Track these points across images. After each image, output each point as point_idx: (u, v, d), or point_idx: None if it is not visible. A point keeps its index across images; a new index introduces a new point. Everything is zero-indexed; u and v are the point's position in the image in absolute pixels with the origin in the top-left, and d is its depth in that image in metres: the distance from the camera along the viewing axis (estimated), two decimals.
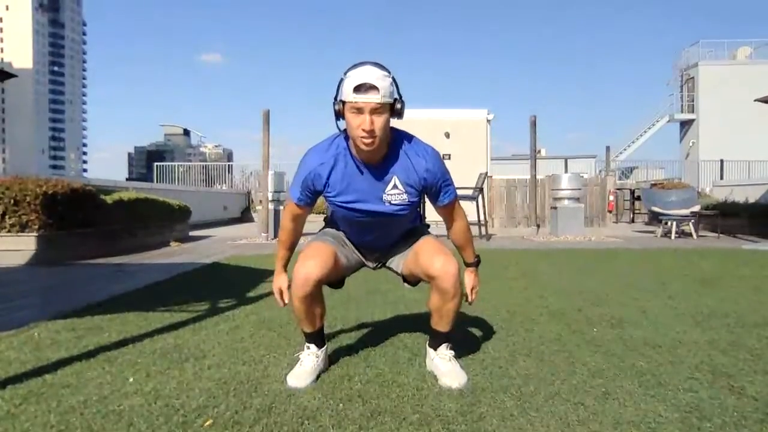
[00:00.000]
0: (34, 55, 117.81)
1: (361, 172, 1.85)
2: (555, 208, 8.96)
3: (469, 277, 2.10)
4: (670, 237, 8.47)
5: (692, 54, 27.80)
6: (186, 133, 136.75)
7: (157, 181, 17.63)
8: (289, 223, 2.06)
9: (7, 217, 5.40)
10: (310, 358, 1.97)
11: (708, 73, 26.76)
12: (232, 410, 1.65)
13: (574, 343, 2.36)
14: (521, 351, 2.25)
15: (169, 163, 19.58)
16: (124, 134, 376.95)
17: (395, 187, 1.86)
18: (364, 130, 1.70)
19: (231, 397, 1.75)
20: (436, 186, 1.90)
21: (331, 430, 1.53)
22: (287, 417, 1.58)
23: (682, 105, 28.00)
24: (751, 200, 9.64)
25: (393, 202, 1.88)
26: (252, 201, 15.17)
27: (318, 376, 1.94)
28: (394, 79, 1.76)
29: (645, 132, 27.93)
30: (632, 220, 13.56)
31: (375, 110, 1.70)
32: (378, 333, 2.51)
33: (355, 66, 1.75)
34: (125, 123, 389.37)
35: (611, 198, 12.57)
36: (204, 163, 24.66)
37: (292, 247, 2.13)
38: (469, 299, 2.08)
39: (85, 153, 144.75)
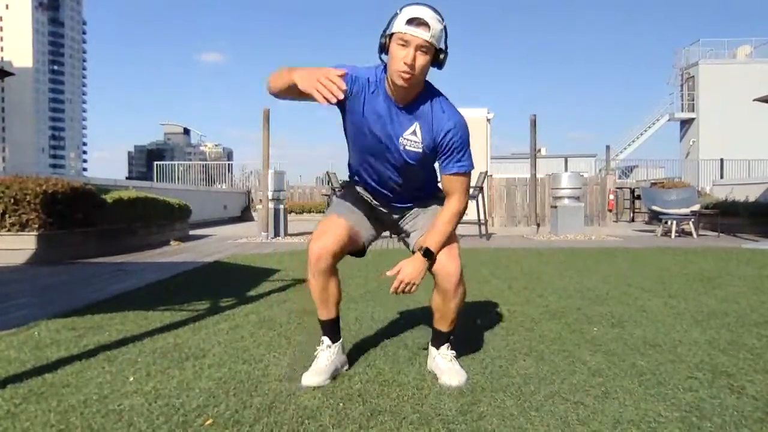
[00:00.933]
0: (34, 54, 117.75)
1: (389, 108, 1.83)
2: (555, 207, 8.96)
3: (409, 264, 1.87)
4: (670, 236, 8.47)
5: (692, 53, 27.82)
6: (186, 132, 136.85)
7: (157, 180, 17.62)
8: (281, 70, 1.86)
9: (7, 216, 5.40)
10: (325, 353, 1.94)
11: (708, 72, 26.77)
12: (232, 409, 1.65)
13: (574, 343, 2.36)
14: (521, 350, 2.25)
15: (169, 162, 19.57)
16: (124, 133, 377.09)
17: (414, 134, 1.84)
18: (405, 63, 1.69)
19: (231, 397, 1.75)
20: (449, 148, 1.84)
21: (331, 429, 1.53)
22: (287, 416, 1.58)
23: (682, 104, 28.01)
24: (752, 199, 9.64)
25: (407, 147, 1.85)
26: (252, 200, 15.16)
27: (335, 376, 1.91)
28: (445, 28, 1.76)
29: (645, 131, 27.94)
30: (632, 219, 13.56)
31: (420, 47, 1.70)
32: (378, 332, 2.51)
33: (411, 3, 1.74)
34: (125, 122, 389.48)
35: (611, 197, 12.56)
36: (204, 162, 24.65)
37: None
38: (393, 288, 1.87)
39: (85, 152, 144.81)
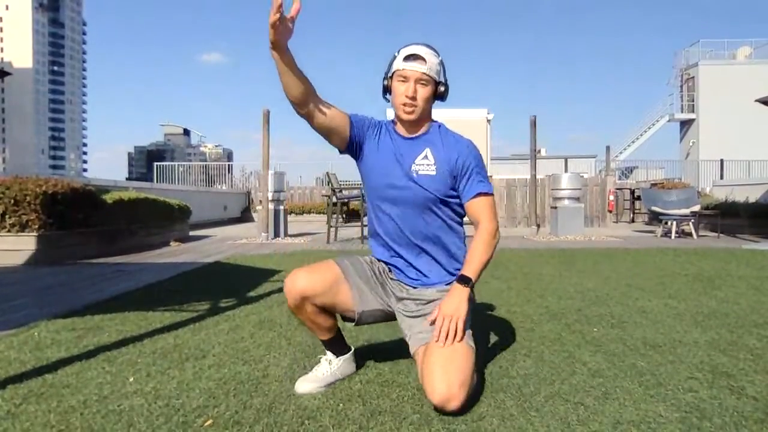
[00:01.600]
0: (34, 55, 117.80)
1: (398, 144, 1.90)
2: (555, 207, 8.96)
3: (454, 299, 1.73)
4: (670, 237, 8.47)
5: (692, 54, 27.84)
6: (186, 132, 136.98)
7: (157, 181, 17.62)
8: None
9: (7, 216, 5.40)
10: (323, 365, 1.89)
11: (708, 73, 26.78)
12: (232, 410, 1.65)
13: (574, 343, 2.36)
14: (521, 351, 2.25)
15: (169, 163, 19.57)
16: (124, 134, 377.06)
17: (425, 157, 1.86)
18: (407, 96, 1.80)
19: (231, 397, 1.75)
20: (466, 169, 1.85)
21: (331, 430, 1.53)
22: (287, 417, 1.58)
23: (682, 105, 28.03)
24: (752, 200, 9.64)
25: (420, 172, 1.85)
26: (252, 201, 15.16)
27: (332, 384, 1.86)
28: (442, 63, 1.86)
29: (645, 132, 27.95)
30: (632, 220, 13.55)
31: (419, 80, 1.80)
32: (378, 333, 2.51)
33: (407, 44, 1.86)
34: (125, 123, 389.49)
35: (611, 198, 12.57)
36: (204, 163, 24.67)
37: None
38: (437, 334, 1.67)
39: (85, 153, 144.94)
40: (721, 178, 17.34)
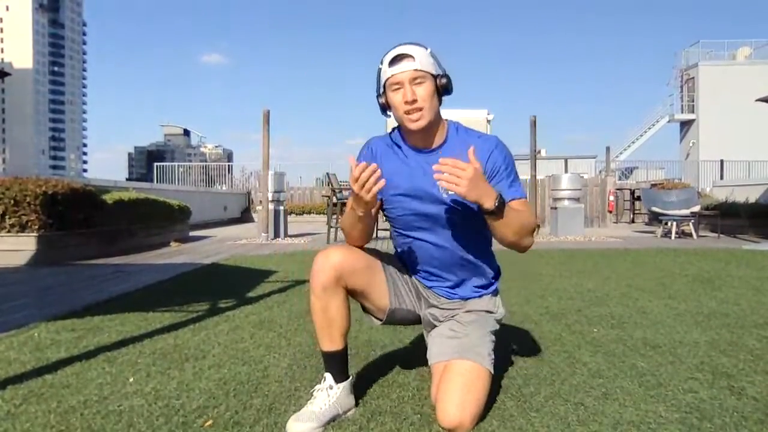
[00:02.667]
0: (34, 56, 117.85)
1: (417, 160, 1.68)
2: (555, 208, 8.96)
3: (482, 186, 1.48)
4: (670, 237, 8.47)
5: (692, 54, 27.85)
6: (186, 133, 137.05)
7: (157, 182, 17.63)
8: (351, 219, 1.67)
9: (7, 217, 5.40)
10: (323, 395, 1.59)
11: (708, 74, 26.79)
12: (232, 411, 1.64)
13: (574, 344, 2.36)
14: (521, 351, 2.25)
15: (169, 164, 19.59)
16: (124, 135, 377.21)
17: None
18: (406, 101, 1.59)
19: (231, 398, 1.75)
20: (496, 172, 1.65)
21: (331, 430, 1.53)
22: (287, 417, 1.57)
23: (682, 105, 28.03)
24: (752, 200, 9.64)
25: (450, 191, 1.58)
26: (252, 201, 15.16)
27: (333, 419, 1.57)
28: (433, 54, 1.65)
29: (645, 132, 27.96)
30: (632, 221, 13.55)
31: (414, 80, 1.59)
32: (378, 333, 2.50)
33: (388, 50, 1.65)
34: (125, 123, 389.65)
35: (611, 198, 12.58)
36: (204, 164, 24.67)
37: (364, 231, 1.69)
38: (441, 165, 1.48)
39: (85, 153, 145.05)
40: (721, 178, 17.34)
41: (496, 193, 1.51)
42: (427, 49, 1.64)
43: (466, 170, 1.45)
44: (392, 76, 1.61)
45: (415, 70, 1.60)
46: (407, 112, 1.61)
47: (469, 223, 1.68)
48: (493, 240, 1.75)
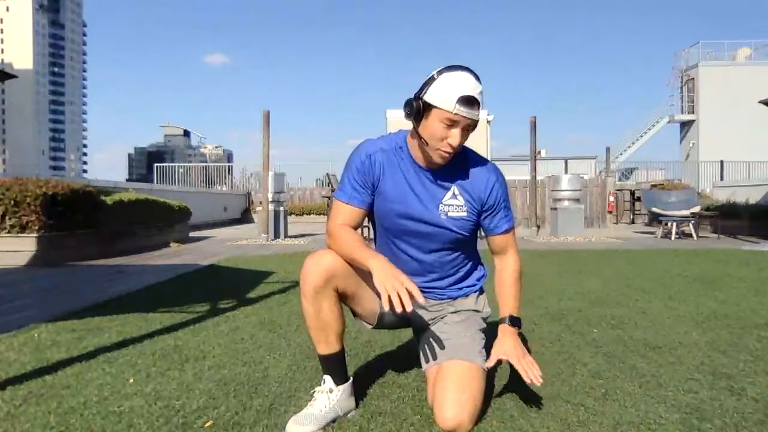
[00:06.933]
0: (35, 56, 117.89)
1: (419, 178, 1.66)
2: (555, 209, 8.96)
3: (509, 343, 1.62)
4: (670, 238, 8.47)
5: (692, 55, 27.86)
6: (186, 134, 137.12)
7: (157, 182, 17.63)
8: (339, 228, 1.66)
9: (7, 218, 5.40)
10: (323, 397, 1.59)
11: (708, 74, 26.79)
12: (232, 411, 1.64)
13: (574, 345, 2.36)
14: None
15: (170, 164, 19.55)
16: (124, 135, 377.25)
17: (454, 197, 1.66)
18: (451, 145, 1.54)
19: (231, 398, 1.75)
20: (497, 206, 1.70)
21: (331, 431, 1.53)
22: (287, 418, 1.57)
23: (682, 106, 28.03)
24: (752, 201, 9.64)
25: (450, 214, 1.66)
26: (252, 202, 15.17)
27: (333, 421, 1.57)
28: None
29: (645, 133, 27.93)
30: (632, 221, 13.56)
31: (470, 126, 1.55)
32: (377, 334, 2.50)
33: (452, 68, 1.55)
34: (125, 124, 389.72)
35: (611, 199, 12.58)
36: (204, 164, 24.66)
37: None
38: (534, 380, 1.57)
39: (85, 154, 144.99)
40: (721, 179, 17.35)
41: (514, 331, 1.67)
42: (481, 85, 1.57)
43: (526, 357, 1.62)
44: (456, 114, 1.51)
45: (475, 120, 1.55)
46: (443, 150, 1.57)
47: (459, 237, 1.71)
48: (479, 242, 1.79)
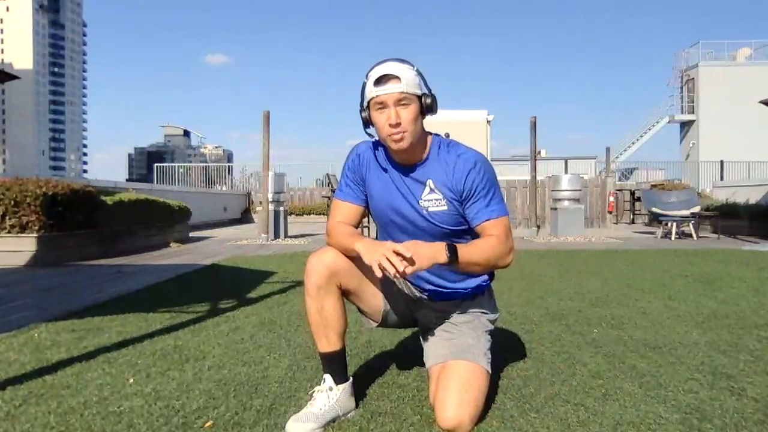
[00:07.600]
0: (35, 56, 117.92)
1: (399, 174, 1.70)
2: (555, 209, 8.96)
3: (422, 245, 1.53)
4: (670, 238, 8.47)
5: (692, 55, 27.86)
6: (186, 134, 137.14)
7: (157, 182, 17.63)
8: (335, 225, 1.72)
9: (7, 218, 5.40)
10: (323, 396, 1.59)
11: (708, 74, 26.79)
12: (232, 411, 1.65)
13: (574, 345, 2.36)
14: (521, 352, 2.25)
15: (170, 164, 19.56)
16: (125, 135, 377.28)
17: (432, 191, 1.66)
18: (390, 124, 1.57)
19: (231, 398, 1.75)
20: (473, 192, 1.63)
21: (331, 431, 1.53)
22: (287, 418, 1.57)
23: (682, 106, 28.03)
24: (752, 201, 9.64)
25: (430, 209, 1.66)
26: (252, 202, 15.17)
27: (333, 421, 1.57)
28: (419, 72, 1.62)
29: (645, 133, 27.93)
30: (632, 221, 13.56)
31: (399, 101, 1.56)
32: (378, 334, 2.50)
33: (373, 65, 1.63)
34: (125, 124, 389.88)
35: (611, 199, 12.57)
36: (204, 164, 24.66)
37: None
38: (388, 271, 1.48)
39: (85, 154, 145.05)
40: (721, 179, 17.35)
41: (442, 245, 1.54)
42: (413, 68, 1.62)
43: (405, 253, 1.47)
44: (377, 96, 1.58)
45: (401, 92, 1.57)
46: (390, 135, 1.59)
47: (453, 233, 1.69)
48: None
